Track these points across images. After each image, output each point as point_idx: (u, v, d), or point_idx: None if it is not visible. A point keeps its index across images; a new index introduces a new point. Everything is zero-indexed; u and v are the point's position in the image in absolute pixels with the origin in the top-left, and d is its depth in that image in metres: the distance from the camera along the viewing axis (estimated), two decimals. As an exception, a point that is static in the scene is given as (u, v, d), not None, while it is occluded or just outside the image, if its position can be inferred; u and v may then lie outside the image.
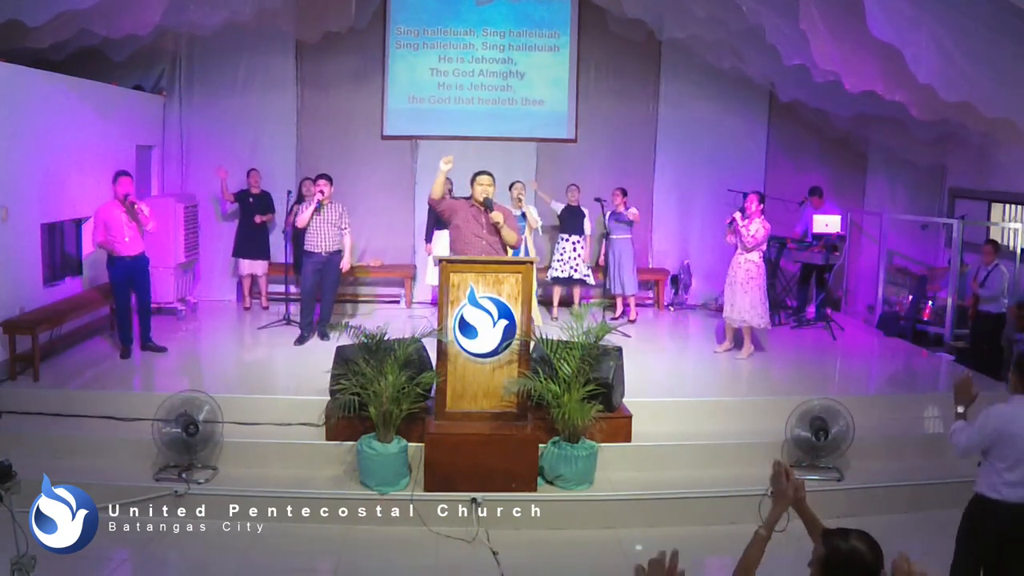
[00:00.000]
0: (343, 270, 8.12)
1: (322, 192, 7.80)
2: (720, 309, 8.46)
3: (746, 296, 7.60)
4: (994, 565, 3.89)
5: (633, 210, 9.04)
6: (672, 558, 2.22)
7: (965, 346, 8.62)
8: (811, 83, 8.28)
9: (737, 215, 7.66)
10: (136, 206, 7.23)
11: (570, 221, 9.18)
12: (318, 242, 7.86)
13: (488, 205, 6.11)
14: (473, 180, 6.23)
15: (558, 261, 9.15)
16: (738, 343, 7.96)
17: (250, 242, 9.46)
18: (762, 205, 7.71)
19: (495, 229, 6.16)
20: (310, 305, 8.04)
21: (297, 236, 8.35)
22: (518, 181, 8.85)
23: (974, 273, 8.31)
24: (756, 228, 7.56)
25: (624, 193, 9.17)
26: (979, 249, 9.14)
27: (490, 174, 6.25)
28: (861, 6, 5.91)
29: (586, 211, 9.23)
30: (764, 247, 7.74)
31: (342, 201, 8.33)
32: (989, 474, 3.86)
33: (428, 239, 9.24)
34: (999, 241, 8.53)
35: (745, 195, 7.94)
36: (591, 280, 9.23)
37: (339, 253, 7.99)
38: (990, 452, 3.85)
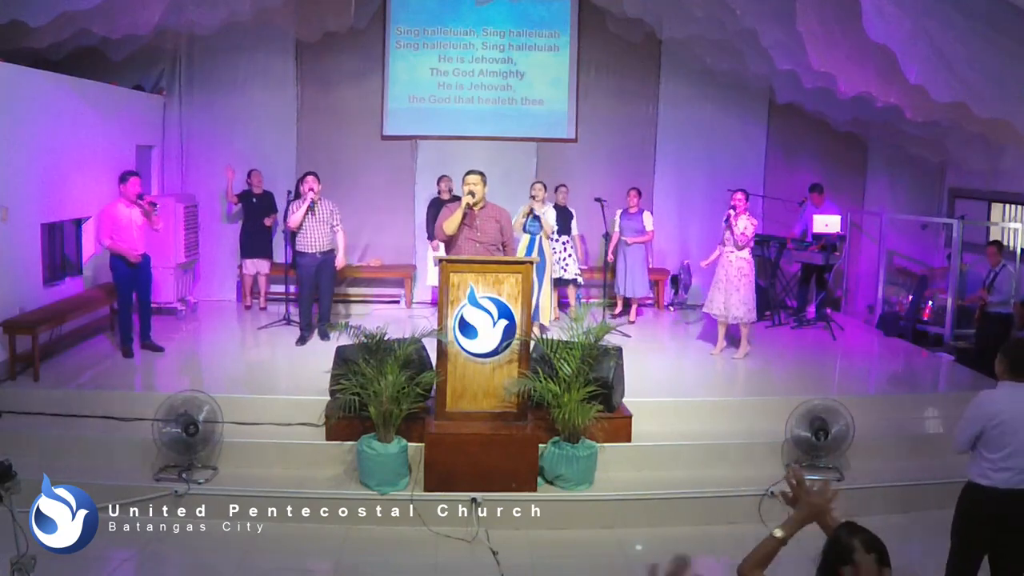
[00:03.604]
0: (339, 267, 8.12)
1: (312, 190, 7.78)
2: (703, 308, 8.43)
3: (738, 293, 7.62)
4: (990, 553, 3.93)
5: (648, 219, 9.04)
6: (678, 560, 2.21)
7: (967, 346, 8.62)
8: (804, 88, 8.31)
9: (732, 212, 7.68)
10: (157, 207, 7.33)
11: (560, 222, 9.14)
12: (312, 242, 7.83)
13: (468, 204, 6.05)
14: (463, 180, 6.18)
15: (552, 263, 9.09)
16: (733, 342, 7.97)
17: (254, 242, 9.47)
18: (747, 202, 7.77)
19: (496, 231, 6.10)
20: (308, 305, 8.03)
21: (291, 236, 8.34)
22: (538, 182, 8.76)
23: (983, 278, 8.23)
24: (744, 225, 7.60)
25: (639, 194, 9.16)
26: (979, 249, 9.14)
27: (479, 173, 6.15)
28: (857, 8, 5.92)
29: (573, 211, 9.21)
30: (752, 243, 7.77)
31: (340, 200, 8.33)
32: (978, 460, 3.91)
33: (431, 237, 9.24)
34: (1001, 241, 8.49)
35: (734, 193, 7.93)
36: (581, 280, 9.20)
37: (333, 252, 7.97)
38: (978, 438, 3.89)
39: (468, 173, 6.17)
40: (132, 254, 7.20)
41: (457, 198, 8.05)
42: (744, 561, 2.56)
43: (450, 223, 6.07)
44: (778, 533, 2.58)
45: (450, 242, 6.14)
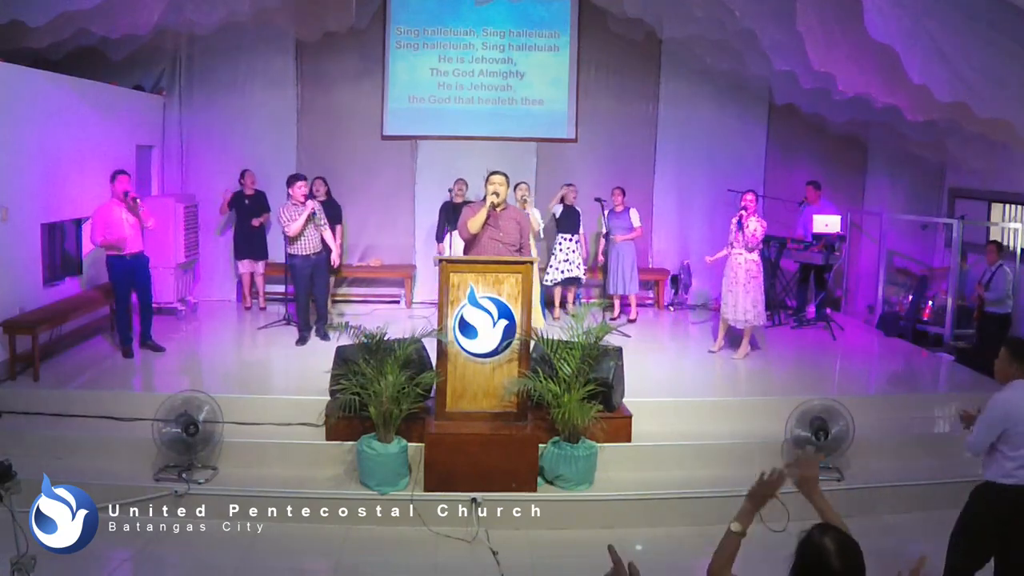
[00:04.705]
0: (336, 265, 8.14)
1: (310, 197, 7.79)
2: (717, 309, 8.45)
3: (748, 296, 7.62)
4: (999, 550, 3.93)
5: (635, 216, 9.05)
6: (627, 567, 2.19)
7: (967, 346, 8.62)
8: (802, 88, 8.31)
9: (743, 213, 7.66)
10: (138, 202, 7.28)
11: (569, 221, 9.18)
12: (305, 244, 7.85)
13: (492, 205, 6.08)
14: (486, 180, 6.19)
15: (564, 262, 9.12)
16: (733, 342, 7.97)
17: (248, 242, 9.48)
18: (756, 203, 7.76)
19: (516, 232, 6.12)
20: (305, 307, 8.05)
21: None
22: (523, 182, 8.82)
23: (979, 276, 8.28)
24: (755, 226, 7.59)
25: (623, 192, 9.18)
26: (979, 249, 9.14)
27: (504, 174, 6.19)
28: (858, 7, 5.91)
29: (580, 210, 9.24)
30: (761, 245, 7.77)
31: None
32: (998, 460, 3.91)
33: (440, 239, 9.25)
34: (1001, 241, 8.52)
35: (742, 194, 7.93)
36: (583, 278, 9.24)
37: (322, 252, 7.99)
38: (998, 439, 3.90)
39: (493, 173, 6.16)
40: (125, 251, 7.18)
41: (468, 202, 8.09)
42: (712, 562, 2.54)
43: (474, 222, 6.08)
44: (735, 527, 2.56)
45: (473, 241, 6.15)
